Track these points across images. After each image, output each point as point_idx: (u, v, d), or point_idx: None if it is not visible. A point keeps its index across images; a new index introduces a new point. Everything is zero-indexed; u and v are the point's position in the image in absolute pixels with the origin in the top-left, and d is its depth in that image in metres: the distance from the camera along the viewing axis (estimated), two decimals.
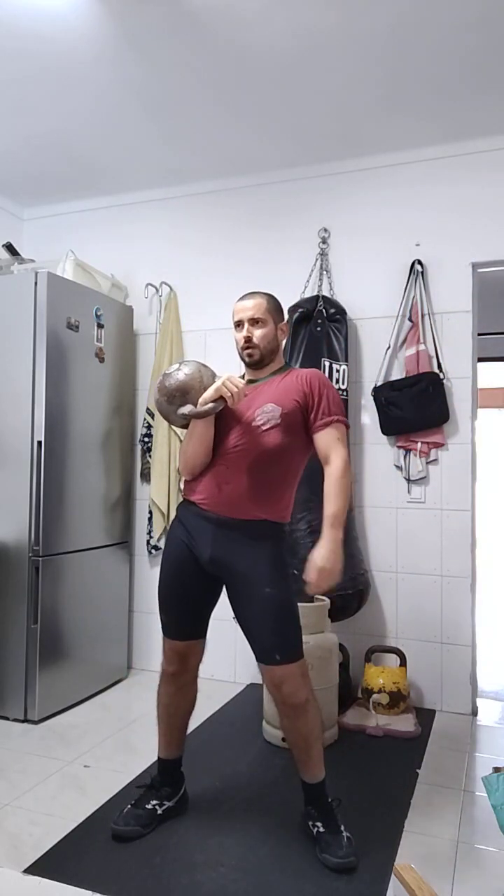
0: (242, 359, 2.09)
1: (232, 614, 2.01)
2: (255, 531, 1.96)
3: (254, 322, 2.04)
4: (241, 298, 2.10)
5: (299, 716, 1.93)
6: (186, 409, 1.95)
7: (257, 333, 2.04)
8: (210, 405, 1.92)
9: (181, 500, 2.10)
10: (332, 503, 1.94)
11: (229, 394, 1.90)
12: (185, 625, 2.06)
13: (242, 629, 1.98)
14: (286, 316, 2.18)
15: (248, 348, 2.05)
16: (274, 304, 2.10)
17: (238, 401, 1.92)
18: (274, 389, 2.02)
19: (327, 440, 1.97)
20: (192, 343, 3.60)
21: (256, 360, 2.06)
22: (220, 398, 1.91)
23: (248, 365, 2.09)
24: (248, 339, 2.04)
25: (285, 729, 2.02)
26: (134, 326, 3.70)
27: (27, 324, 2.95)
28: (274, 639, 1.91)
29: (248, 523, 1.95)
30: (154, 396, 2.05)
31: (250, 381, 2.09)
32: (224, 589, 2.04)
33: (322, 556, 1.88)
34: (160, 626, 2.10)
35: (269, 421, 1.96)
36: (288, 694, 1.91)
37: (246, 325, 2.05)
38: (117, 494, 3.47)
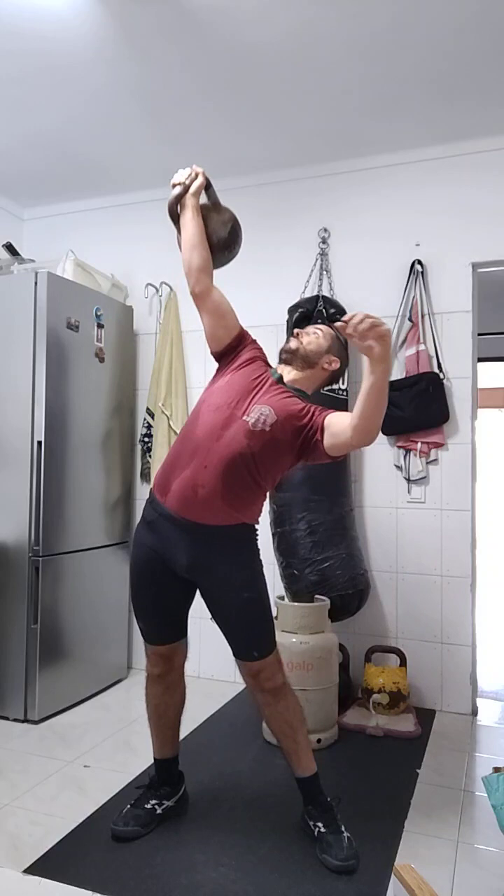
0: (283, 348, 2.09)
1: (209, 616, 2.02)
2: (231, 536, 1.94)
3: (314, 332, 2.07)
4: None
5: (279, 699, 1.97)
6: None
7: (309, 338, 2.05)
8: (177, 190, 2.04)
9: (149, 495, 2.03)
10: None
11: (181, 178, 2.02)
12: (164, 629, 2.05)
13: (220, 627, 2.00)
14: (342, 363, 2.12)
15: (295, 337, 2.06)
16: (339, 343, 2.08)
17: (194, 179, 2.02)
18: (279, 398, 1.94)
19: (336, 416, 1.91)
20: (192, 343, 3.60)
21: (292, 348, 2.05)
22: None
23: (280, 353, 2.09)
24: (298, 335, 2.07)
25: (269, 719, 2.04)
26: (134, 326, 3.70)
27: (27, 324, 2.95)
28: (252, 639, 1.95)
29: (223, 529, 1.92)
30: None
31: (277, 378, 2.02)
32: (198, 590, 2.04)
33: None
34: (140, 632, 2.09)
35: (259, 423, 1.87)
36: (264, 679, 1.95)
37: (308, 328, 2.09)
38: (117, 494, 3.47)
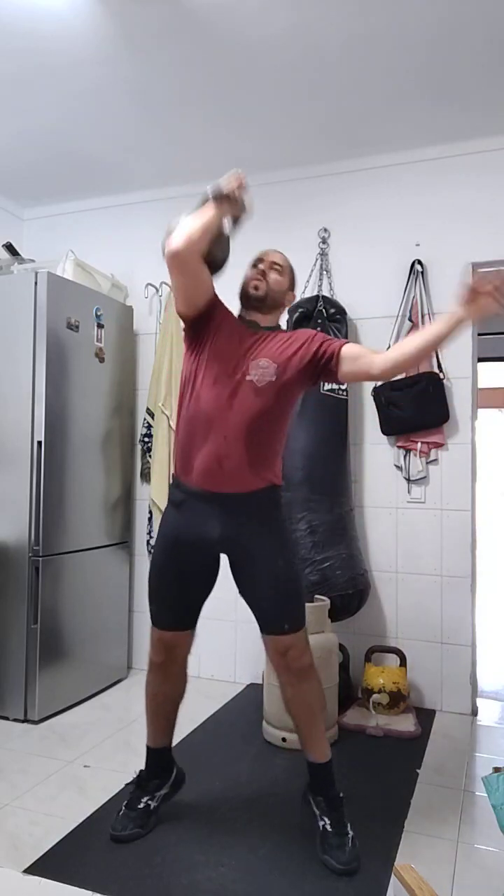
0: (245, 293, 2.04)
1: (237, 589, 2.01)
2: (260, 502, 1.94)
3: (273, 267, 2.05)
4: (268, 248, 2.12)
5: (303, 680, 1.95)
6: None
7: (273, 277, 2.04)
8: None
9: (173, 480, 2.03)
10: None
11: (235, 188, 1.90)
12: (175, 613, 2.04)
13: (249, 601, 1.99)
14: (296, 294, 2.19)
15: (258, 280, 2.02)
16: (293, 271, 2.13)
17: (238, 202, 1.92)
18: (270, 345, 1.96)
19: (355, 350, 1.95)
20: None
21: (260, 296, 2.02)
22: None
23: (248, 300, 2.04)
24: (263, 274, 2.03)
25: (290, 700, 1.99)
26: (134, 326, 3.70)
27: (27, 324, 2.95)
28: (284, 609, 1.94)
29: (253, 495, 1.92)
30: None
31: (250, 324, 2.02)
32: (224, 571, 2.03)
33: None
34: (150, 615, 2.09)
35: (264, 377, 1.90)
36: (293, 658, 1.93)
37: (265, 265, 2.05)
38: (117, 494, 3.47)
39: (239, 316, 2.08)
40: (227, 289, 2.10)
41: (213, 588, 2.07)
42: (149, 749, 2.14)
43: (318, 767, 1.98)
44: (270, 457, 1.96)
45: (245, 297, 2.06)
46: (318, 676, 2.01)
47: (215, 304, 2.03)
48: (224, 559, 2.02)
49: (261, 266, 2.05)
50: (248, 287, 2.04)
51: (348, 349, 1.95)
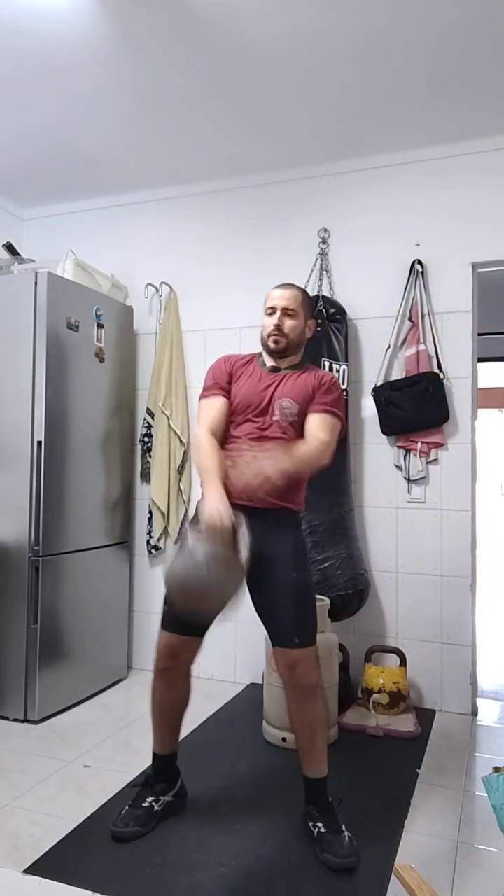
0: (266, 345, 2.12)
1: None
2: (278, 518, 2.02)
3: (287, 312, 2.08)
4: (277, 287, 2.15)
5: (308, 698, 1.96)
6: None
7: (288, 324, 2.08)
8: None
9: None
10: (298, 452, 1.95)
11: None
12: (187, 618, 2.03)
13: (262, 614, 2.02)
14: (314, 317, 2.25)
15: (276, 335, 2.08)
16: (307, 300, 2.17)
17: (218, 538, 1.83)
18: (291, 385, 2.08)
19: (320, 421, 2.04)
20: (192, 343, 3.61)
21: (282, 348, 2.09)
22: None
23: (270, 352, 2.13)
24: (279, 328, 2.07)
25: (293, 715, 2.02)
26: (134, 326, 3.70)
27: (27, 324, 2.95)
28: (295, 622, 1.97)
29: (270, 511, 2.00)
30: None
31: (272, 369, 2.13)
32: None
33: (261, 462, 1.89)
34: (161, 617, 2.08)
35: (287, 417, 2.03)
36: (301, 674, 1.94)
37: (279, 313, 2.08)
38: (117, 494, 3.47)
39: (261, 354, 2.18)
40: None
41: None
42: (155, 755, 2.15)
43: (311, 781, 2.00)
44: (294, 485, 2.04)
45: (266, 347, 2.14)
46: (325, 696, 2.02)
47: (231, 377, 2.14)
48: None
49: (275, 319, 2.08)
50: (267, 341, 2.12)
51: (319, 418, 2.04)
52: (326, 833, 1.92)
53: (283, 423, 2.04)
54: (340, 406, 2.11)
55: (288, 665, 1.97)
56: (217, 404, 2.10)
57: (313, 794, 2.00)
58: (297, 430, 2.05)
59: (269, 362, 2.15)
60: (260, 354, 2.19)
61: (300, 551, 2.06)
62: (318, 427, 2.02)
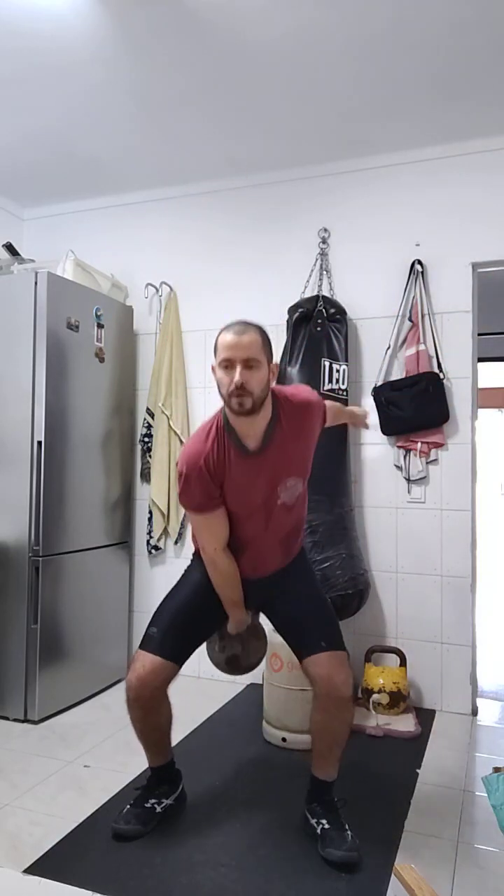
0: (229, 405, 1.79)
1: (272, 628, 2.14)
2: (291, 562, 2.11)
3: (248, 364, 1.75)
4: (230, 331, 1.79)
5: (342, 710, 1.90)
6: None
7: (253, 379, 1.75)
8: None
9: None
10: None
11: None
12: (173, 643, 2.01)
13: (284, 631, 2.07)
14: (273, 355, 1.89)
15: (240, 395, 1.75)
16: (266, 340, 1.83)
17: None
18: (281, 455, 1.87)
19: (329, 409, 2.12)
20: (192, 343, 3.60)
21: (248, 409, 1.77)
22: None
23: (236, 414, 1.80)
24: (242, 387, 1.74)
25: (318, 723, 1.93)
26: (134, 326, 3.70)
27: (27, 324, 2.95)
28: (321, 626, 1.98)
29: (287, 565, 2.10)
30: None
31: (254, 452, 1.86)
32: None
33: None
34: (142, 638, 2.06)
35: (294, 493, 1.97)
36: (337, 685, 1.86)
37: (239, 367, 1.74)
38: (117, 494, 3.47)
39: (227, 421, 1.86)
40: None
41: (211, 634, 2.15)
42: (151, 769, 2.15)
43: (319, 782, 2.00)
44: (300, 531, 2.12)
45: (230, 408, 1.81)
46: (352, 711, 2.00)
47: (216, 480, 1.87)
48: None
49: (236, 375, 1.74)
50: (230, 403, 1.78)
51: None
52: (330, 829, 1.91)
53: (289, 502, 1.97)
54: (319, 406, 2.01)
55: (323, 676, 1.87)
56: (219, 517, 1.91)
57: (319, 794, 1.99)
58: (303, 491, 2.04)
59: (245, 439, 1.85)
60: (226, 423, 1.86)
61: (309, 573, 2.15)
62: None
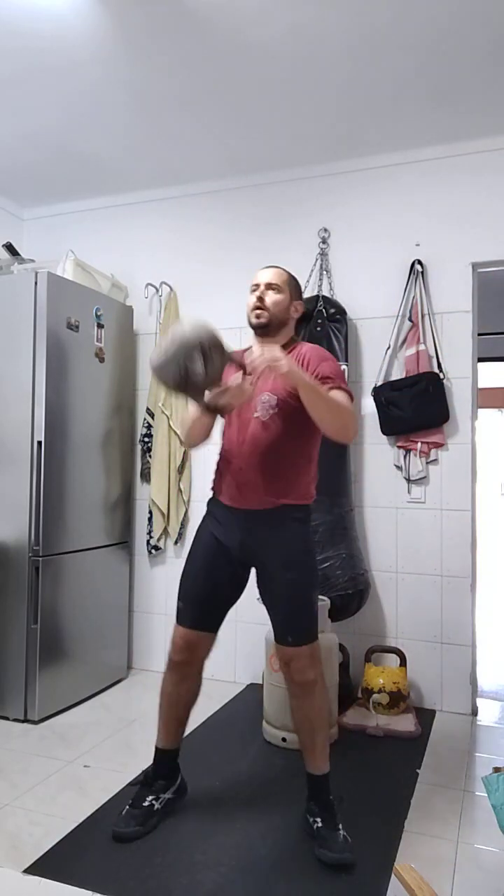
0: (250, 321, 2.07)
1: (257, 595, 2.08)
2: (280, 517, 2.01)
3: (269, 287, 2.05)
4: (262, 268, 2.12)
5: (306, 695, 1.98)
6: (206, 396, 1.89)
7: (271, 298, 2.04)
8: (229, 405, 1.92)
9: (211, 496, 2.15)
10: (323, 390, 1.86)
11: (230, 401, 1.91)
12: (200, 613, 2.08)
13: (267, 609, 2.06)
14: (301, 298, 2.17)
15: (258, 308, 2.04)
16: (293, 281, 2.12)
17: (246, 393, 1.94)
18: (272, 378, 2.00)
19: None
20: None
21: (264, 322, 2.04)
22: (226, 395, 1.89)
23: (254, 328, 2.07)
24: (261, 300, 2.04)
25: (293, 711, 2.05)
26: (134, 326, 3.70)
27: (27, 324, 2.95)
28: (289, 621, 1.99)
29: (272, 511, 2.01)
30: (161, 357, 1.81)
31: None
32: (249, 581, 2.12)
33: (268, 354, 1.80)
34: (175, 613, 2.12)
35: (268, 411, 1.99)
36: (295, 670, 1.97)
37: (262, 287, 2.06)
38: (117, 494, 3.47)
39: (248, 348, 2.14)
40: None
41: (239, 596, 2.13)
42: (157, 750, 2.15)
43: (313, 778, 2.01)
44: (290, 479, 2.02)
45: (250, 324, 2.09)
46: (323, 692, 2.02)
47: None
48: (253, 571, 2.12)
49: (257, 293, 2.07)
50: (250, 317, 2.08)
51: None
52: (322, 829, 1.93)
53: (263, 418, 1.98)
54: (336, 372, 1.98)
55: (283, 660, 2.01)
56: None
57: (315, 791, 2.00)
58: (285, 421, 1.97)
59: (256, 344, 2.10)
60: (250, 348, 2.13)
61: (302, 549, 2.03)
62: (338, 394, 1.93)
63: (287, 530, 2.02)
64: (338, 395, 1.90)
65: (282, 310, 2.06)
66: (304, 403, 1.85)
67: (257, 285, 2.08)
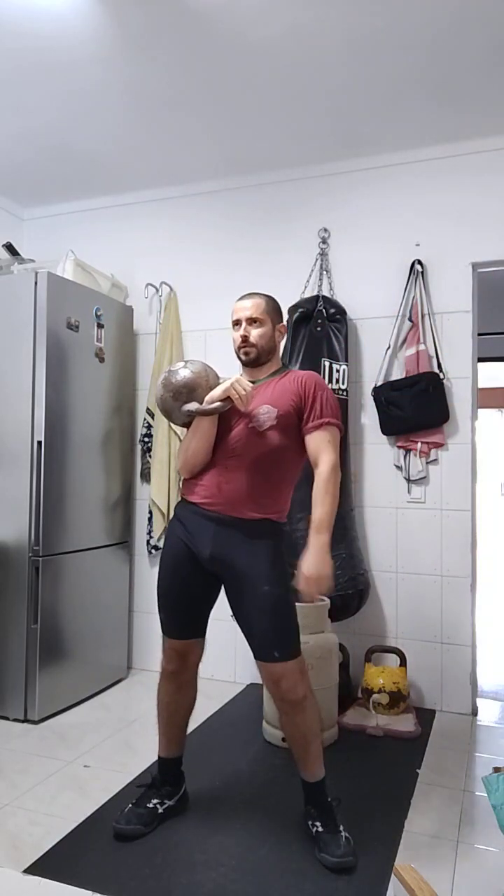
0: (239, 357, 2.11)
1: (230, 613, 2.02)
2: (254, 530, 1.97)
3: (252, 321, 2.07)
4: (240, 299, 2.13)
5: (297, 712, 1.95)
6: (192, 406, 1.98)
7: (254, 332, 2.06)
8: (218, 404, 1.95)
9: (179, 499, 2.12)
10: (318, 508, 1.93)
11: (237, 395, 1.94)
12: (183, 624, 2.07)
13: (241, 627, 2.00)
14: (285, 317, 2.19)
15: (244, 346, 2.07)
16: (272, 305, 2.13)
17: (247, 403, 1.96)
18: (271, 391, 2.04)
19: (318, 442, 1.97)
20: (192, 343, 3.60)
21: (253, 358, 2.07)
22: (227, 398, 1.95)
23: (244, 364, 2.11)
24: (245, 339, 2.06)
25: (284, 725, 2.03)
26: (134, 326, 3.70)
27: (27, 324, 2.95)
28: (272, 636, 1.93)
29: (247, 522, 1.97)
30: (158, 393, 2.05)
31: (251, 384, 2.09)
32: (223, 588, 2.06)
33: (310, 565, 1.88)
34: (160, 624, 2.11)
35: (266, 422, 1.98)
36: (286, 690, 1.92)
37: (244, 323, 2.07)
38: (117, 494, 3.47)
39: (242, 375, 2.14)
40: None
41: (214, 601, 2.10)
42: (160, 759, 2.15)
43: (308, 785, 2.00)
44: (274, 494, 2.01)
45: (240, 360, 2.12)
46: (314, 705, 1.99)
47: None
48: None
49: (241, 330, 2.08)
50: (239, 354, 2.10)
51: (317, 438, 1.97)
52: (323, 832, 1.92)
53: (260, 428, 1.97)
54: (332, 405, 2.02)
55: (271, 679, 1.95)
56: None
57: (312, 796, 2.00)
58: (280, 430, 1.97)
59: (246, 376, 2.10)
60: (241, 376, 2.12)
61: (275, 563, 1.97)
62: (319, 449, 1.96)
63: (261, 545, 1.97)
64: (325, 437, 1.96)
65: (267, 340, 2.08)
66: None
67: (239, 321, 2.09)
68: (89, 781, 2.36)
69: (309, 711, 1.96)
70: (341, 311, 3.18)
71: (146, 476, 3.62)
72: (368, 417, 3.26)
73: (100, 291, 3.43)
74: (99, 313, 3.30)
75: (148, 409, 3.59)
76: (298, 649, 1.96)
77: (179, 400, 2.00)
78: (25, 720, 2.88)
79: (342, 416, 3.07)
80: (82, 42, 2.48)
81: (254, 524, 1.97)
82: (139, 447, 3.66)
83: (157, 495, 3.47)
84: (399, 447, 3.19)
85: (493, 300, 3.76)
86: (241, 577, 1.96)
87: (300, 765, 1.99)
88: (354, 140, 3.17)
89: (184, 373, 2.02)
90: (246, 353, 2.07)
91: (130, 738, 2.74)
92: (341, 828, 1.93)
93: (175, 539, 2.06)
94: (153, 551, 3.56)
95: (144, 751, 2.55)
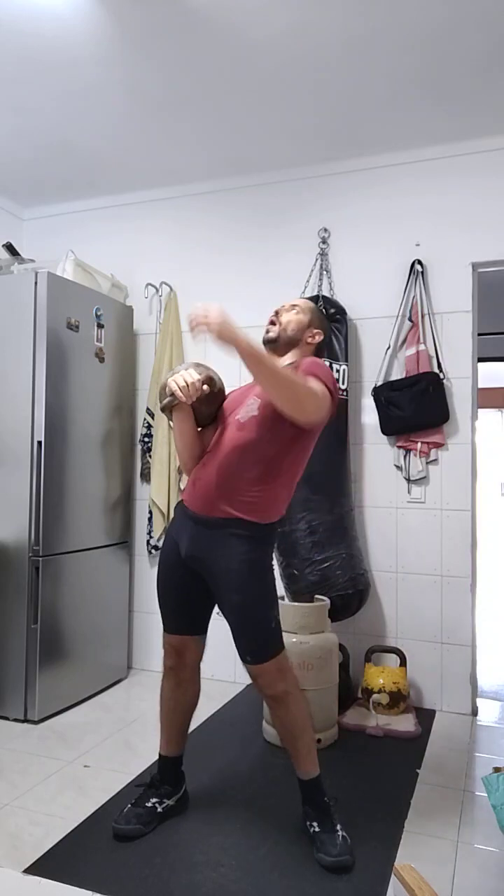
0: (263, 340, 2.05)
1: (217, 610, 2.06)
2: (228, 530, 1.90)
3: (292, 307, 2.07)
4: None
5: (278, 707, 1.97)
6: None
7: (286, 315, 2.05)
8: (167, 399, 1.96)
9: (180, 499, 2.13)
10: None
11: (175, 387, 1.88)
12: (179, 620, 2.07)
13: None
14: (324, 333, 2.11)
15: (269, 325, 2.06)
16: (318, 313, 2.13)
17: (189, 396, 1.87)
18: None
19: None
20: (192, 343, 3.60)
21: (272, 337, 2.04)
22: (172, 393, 1.91)
23: (263, 342, 2.04)
24: (276, 315, 2.06)
25: (273, 721, 2.07)
26: (134, 326, 3.70)
27: (27, 324, 2.95)
28: (244, 643, 1.94)
29: (220, 521, 1.91)
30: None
31: None
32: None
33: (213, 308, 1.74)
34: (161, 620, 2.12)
35: (248, 413, 1.94)
36: (263, 685, 1.95)
37: (284, 306, 2.08)
38: (117, 494, 3.47)
39: None
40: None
41: (214, 600, 2.05)
42: (161, 757, 2.15)
43: (303, 783, 2.00)
44: (247, 489, 1.90)
45: (262, 341, 2.05)
46: (298, 701, 1.97)
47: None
48: None
49: (280, 309, 2.08)
50: (265, 332, 2.08)
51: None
52: (320, 832, 1.92)
53: (241, 419, 1.93)
54: (325, 374, 1.88)
55: (250, 675, 1.98)
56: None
57: (308, 794, 1.99)
58: (261, 426, 1.89)
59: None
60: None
61: (251, 569, 1.89)
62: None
63: (236, 549, 1.89)
64: (315, 382, 1.83)
65: (295, 329, 2.04)
66: (249, 371, 1.73)
67: (278, 310, 2.09)
68: (89, 781, 2.36)
69: (292, 707, 1.95)
70: (341, 311, 3.18)
71: (146, 476, 3.62)
72: (368, 417, 3.26)
73: (100, 291, 3.43)
74: (99, 313, 3.30)
75: (148, 409, 3.59)
76: (275, 652, 1.92)
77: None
78: (25, 720, 2.88)
79: (342, 416, 3.09)
80: (82, 41, 2.48)
81: (227, 523, 1.90)
82: (139, 447, 3.66)
83: (156, 495, 3.47)
84: (399, 447, 3.19)
85: (493, 300, 3.76)
86: (216, 581, 1.95)
87: (294, 762, 2.00)
88: (355, 140, 3.17)
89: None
90: (267, 330, 2.06)
91: (130, 738, 2.74)
92: (338, 827, 1.93)
93: (169, 538, 2.08)
94: (153, 551, 3.56)
95: (144, 751, 2.55)
